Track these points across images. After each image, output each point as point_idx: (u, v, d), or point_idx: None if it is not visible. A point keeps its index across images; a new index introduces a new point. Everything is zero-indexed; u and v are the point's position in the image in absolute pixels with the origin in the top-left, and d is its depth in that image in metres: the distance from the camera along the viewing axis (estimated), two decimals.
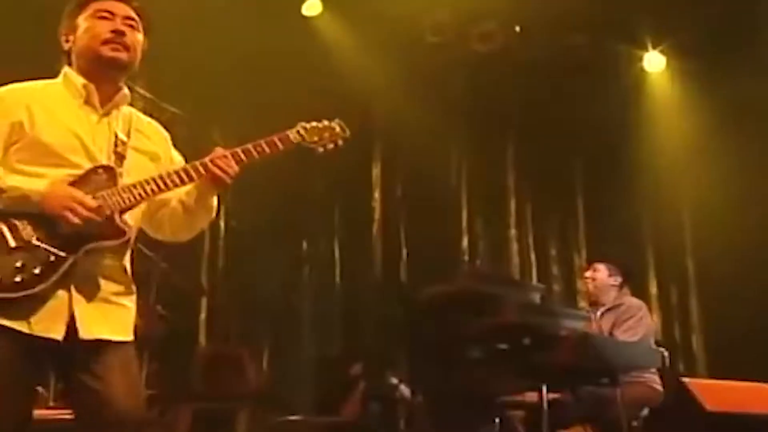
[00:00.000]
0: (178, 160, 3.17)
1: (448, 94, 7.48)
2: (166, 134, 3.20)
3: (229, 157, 2.92)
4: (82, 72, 2.96)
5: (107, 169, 2.87)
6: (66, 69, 3.01)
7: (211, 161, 2.90)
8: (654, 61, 7.46)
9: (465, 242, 7.78)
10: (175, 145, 3.05)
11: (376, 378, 6.33)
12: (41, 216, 2.69)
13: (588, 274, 5.72)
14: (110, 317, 2.90)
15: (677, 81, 7.45)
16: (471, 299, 4.87)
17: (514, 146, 8.09)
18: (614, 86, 7.48)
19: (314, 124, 3.11)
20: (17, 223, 2.71)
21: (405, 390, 6.27)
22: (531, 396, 5.10)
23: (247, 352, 5.96)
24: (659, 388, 5.32)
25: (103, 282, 2.87)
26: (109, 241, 2.81)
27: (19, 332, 2.69)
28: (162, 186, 2.89)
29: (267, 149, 2.99)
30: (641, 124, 7.59)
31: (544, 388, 4.54)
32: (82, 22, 2.97)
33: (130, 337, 2.96)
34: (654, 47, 7.42)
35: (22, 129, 2.84)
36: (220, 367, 5.59)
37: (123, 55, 2.92)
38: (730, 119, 7.02)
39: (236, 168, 2.94)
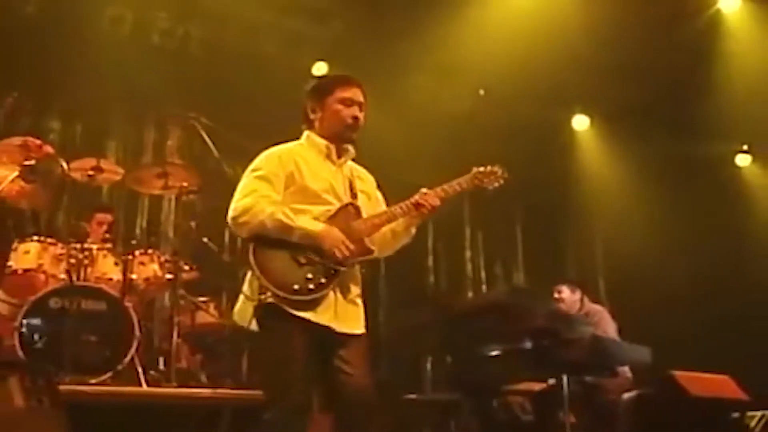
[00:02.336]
0: (380, 197, 3.98)
1: (420, 144, 8.84)
2: (372, 178, 3.97)
3: (432, 194, 3.71)
4: (324, 137, 3.78)
5: (355, 206, 3.72)
6: (307, 132, 3.85)
7: (422, 198, 3.70)
8: (581, 122, 9.26)
9: (430, 261, 9.33)
10: None
11: None
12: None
13: (556, 296, 6.52)
14: (354, 314, 3.69)
15: (600, 139, 9.16)
16: (505, 308, 5.56)
17: (471, 206, 9.72)
18: (551, 143, 9.23)
19: (482, 168, 3.89)
20: (305, 249, 3.55)
21: None
22: (530, 385, 6.02)
23: None
24: (630, 377, 6.19)
25: (351, 287, 3.67)
26: (362, 257, 3.66)
27: (310, 322, 3.49)
28: (391, 217, 3.73)
29: (458, 188, 3.81)
30: (571, 173, 9.31)
31: (565, 379, 5.25)
32: (330, 103, 3.77)
33: (364, 330, 3.69)
34: (582, 112, 9.23)
35: (293, 178, 3.67)
36: None
37: (356, 135, 3.79)
38: (643, 171, 8.68)
39: (438, 203, 3.72)
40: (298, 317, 3.48)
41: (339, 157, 3.82)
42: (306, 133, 3.86)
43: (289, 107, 7.63)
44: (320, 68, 8.54)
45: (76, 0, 7.59)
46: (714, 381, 5.93)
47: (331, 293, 3.57)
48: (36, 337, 5.45)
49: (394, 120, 8.57)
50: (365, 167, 3.93)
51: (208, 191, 6.37)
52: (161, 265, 6.20)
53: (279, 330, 3.53)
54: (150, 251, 6.26)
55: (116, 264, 6.07)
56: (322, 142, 3.79)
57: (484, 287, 9.45)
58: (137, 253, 6.20)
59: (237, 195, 3.65)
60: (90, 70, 7.62)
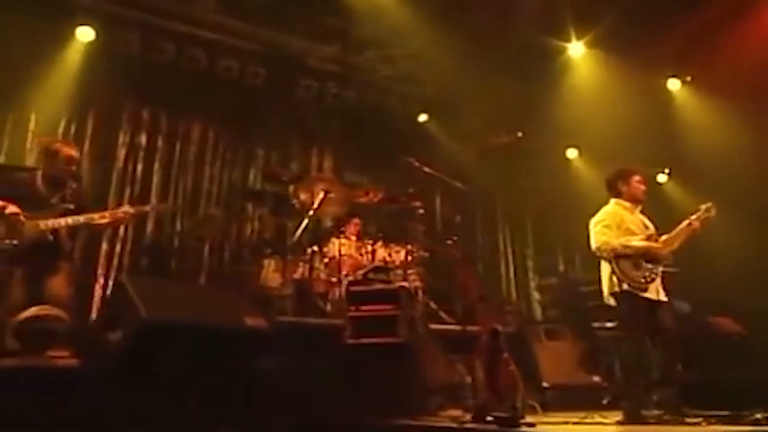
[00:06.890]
0: (651, 224, 6.17)
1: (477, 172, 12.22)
2: (643, 217, 6.18)
3: (695, 219, 5.89)
4: (629, 201, 6.20)
5: (657, 234, 6.03)
6: (614, 200, 6.26)
7: (691, 222, 5.92)
8: (571, 153, 12.93)
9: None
10: None
11: None
12: (652, 255, 5.90)
13: None
14: (663, 291, 6.00)
15: (585, 165, 12.69)
16: None
17: (502, 207, 13.64)
18: (549, 165, 12.81)
19: (707, 205, 5.95)
20: (639, 258, 5.93)
21: None
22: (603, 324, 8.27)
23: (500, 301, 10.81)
24: None
25: (661, 278, 5.93)
26: (665, 261, 6.08)
27: (648, 298, 5.80)
28: (673, 236, 5.95)
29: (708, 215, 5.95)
30: (565, 191, 12.01)
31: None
32: (632, 183, 6.21)
33: (667, 300, 5.93)
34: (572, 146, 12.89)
35: (618, 223, 6.03)
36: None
37: (645, 198, 6.26)
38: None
39: (699, 224, 5.84)
40: (642, 297, 5.88)
41: (635, 209, 6.39)
42: (613, 200, 6.41)
43: (403, 142, 11.78)
44: (423, 117, 12.22)
45: (285, 77, 11.19)
46: (725, 321, 8.20)
47: (658, 280, 5.98)
48: None
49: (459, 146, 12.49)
50: None
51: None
52: (407, 252, 9.56)
53: (630, 303, 5.87)
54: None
55: (385, 249, 9.60)
56: (627, 204, 6.35)
57: (510, 259, 13.43)
58: (392, 244, 9.56)
59: (595, 236, 6.19)
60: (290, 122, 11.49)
